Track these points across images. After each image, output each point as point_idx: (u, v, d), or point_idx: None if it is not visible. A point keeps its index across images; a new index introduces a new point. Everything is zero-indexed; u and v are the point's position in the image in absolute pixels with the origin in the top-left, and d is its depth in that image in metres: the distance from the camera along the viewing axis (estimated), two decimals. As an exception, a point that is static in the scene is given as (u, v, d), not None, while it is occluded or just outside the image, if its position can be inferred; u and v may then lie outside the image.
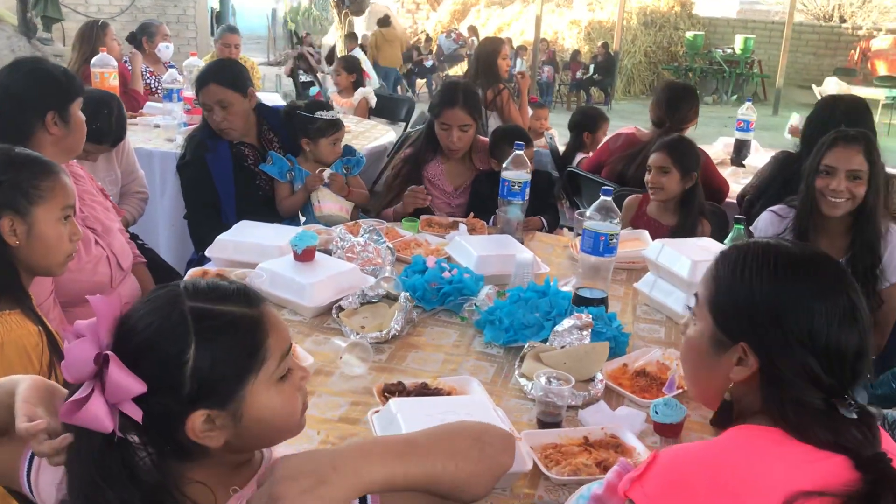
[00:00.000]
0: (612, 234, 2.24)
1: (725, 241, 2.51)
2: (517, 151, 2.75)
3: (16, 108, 2.17)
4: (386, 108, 5.84)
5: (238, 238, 2.50)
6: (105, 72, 4.27)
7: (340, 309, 2.20)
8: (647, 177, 3.13)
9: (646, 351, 2.09)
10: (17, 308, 1.63)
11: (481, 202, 3.20)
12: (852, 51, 19.65)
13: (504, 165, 2.78)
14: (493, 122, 5.01)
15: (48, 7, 9.14)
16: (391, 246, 2.59)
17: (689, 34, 18.79)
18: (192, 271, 2.40)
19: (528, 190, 2.77)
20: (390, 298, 2.27)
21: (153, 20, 5.63)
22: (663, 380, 1.98)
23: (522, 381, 1.90)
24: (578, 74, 16.46)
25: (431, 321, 2.26)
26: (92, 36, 4.77)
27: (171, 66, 4.44)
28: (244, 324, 1.05)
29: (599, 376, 1.91)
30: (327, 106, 3.17)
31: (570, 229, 4.25)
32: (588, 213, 2.29)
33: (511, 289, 2.36)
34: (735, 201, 3.60)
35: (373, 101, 5.65)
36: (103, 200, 2.47)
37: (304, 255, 2.31)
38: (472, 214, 3.05)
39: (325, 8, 13.11)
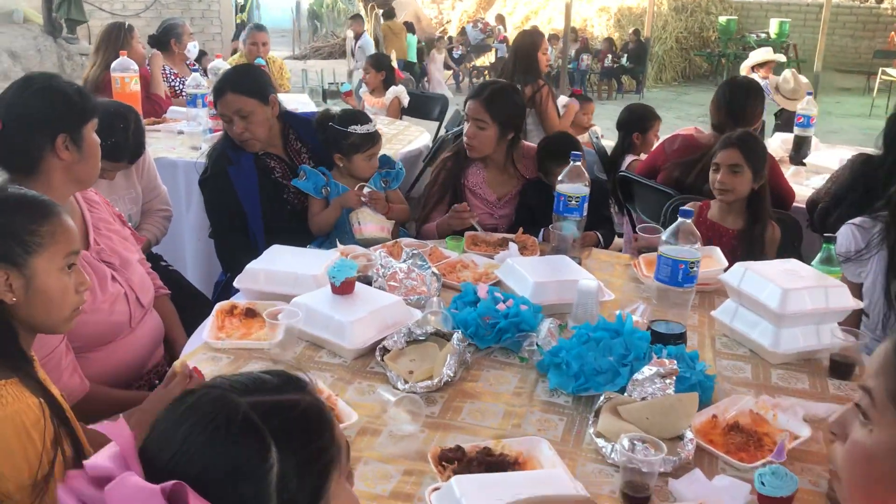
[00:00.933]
0: (692, 262, 1.98)
1: (813, 263, 2.23)
2: (574, 162, 2.48)
3: (24, 129, 1.94)
4: (418, 107, 5.57)
5: (269, 266, 2.26)
6: (126, 76, 4.06)
7: (385, 350, 1.95)
8: (716, 176, 2.84)
9: (736, 399, 1.81)
10: (14, 376, 1.39)
11: (530, 215, 2.94)
12: (893, 32, 19.02)
13: (559, 178, 2.51)
14: (531, 121, 4.77)
15: (72, 9, 8.98)
16: (437, 272, 2.33)
17: (722, 19, 18.32)
18: (220, 306, 2.16)
19: (586, 205, 2.50)
20: (439, 336, 2.02)
21: (176, 19, 5.40)
22: (760, 435, 1.71)
23: (600, 441, 1.64)
24: (607, 62, 16.06)
25: (486, 362, 2.00)
26: (118, 39, 4.55)
27: (195, 70, 4.20)
28: (312, 414, 0.93)
29: (689, 434, 1.64)
30: (362, 117, 2.91)
31: (620, 236, 3.97)
32: (664, 236, 2.02)
33: (577, 324, 2.11)
34: (804, 206, 3.30)
35: (405, 99, 5.39)
36: (121, 229, 2.24)
37: (343, 288, 2.07)
38: (521, 230, 2.79)
39: (350, 1, 12.84)
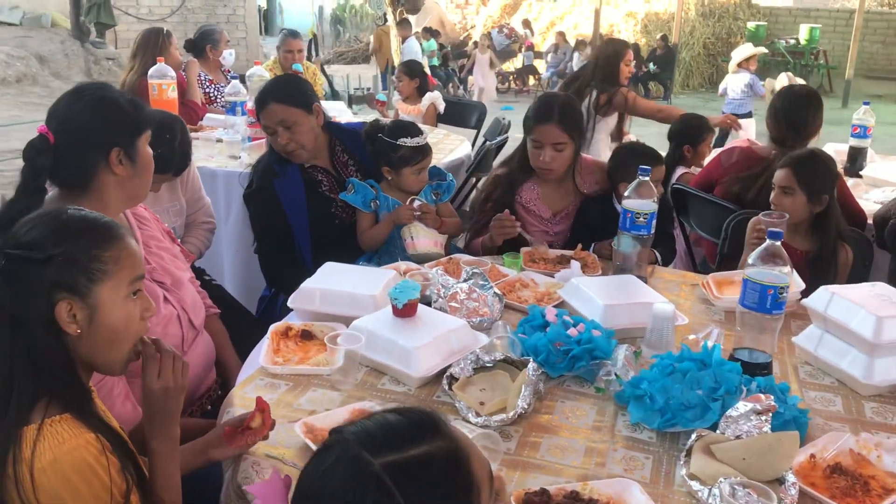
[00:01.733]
0: (781, 287, 1.84)
1: (901, 285, 2.10)
2: (642, 177, 2.36)
3: (77, 143, 1.84)
4: (455, 114, 5.46)
5: (325, 285, 2.15)
6: (163, 83, 3.98)
7: (452, 379, 1.83)
8: (771, 196, 2.73)
9: (834, 437, 1.68)
10: (69, 411, 1.29)
11: (588, 231, 2.81)
12: (927, 38, 18.74)
13: (626, 193, 2.39)
14: (601, 127, 4.68)
15: (101, 13, 8.96)
16: (499, 292, 2.22)
17: (751, 24, 18.10)
18: (274, 328, 2.05)
19: (654, 222, 2.38)
20: (508, 363, 1.90)
21: (213, 26, 5.33)
22: (866, 478, 1.58)
23: (694, 484, 1.52)
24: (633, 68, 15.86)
25: (559, 392, 1.88)
26: (156, 44, 4.47)
27: (234, 77, 4.11)
28: (449, 466, 0.94)
29: (791, 477, 1.51)
30: (413, 129, 2.79)
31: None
32: (750, 260, 1.89)
33: (653, 351, 1.99)
34: (870, 222, 3.15)
35: (441, 106, 5.28)
36: (171, 246, 2.14)
37: (406, 310, 1.95)
38: (579, 246, 2.67)
39: (378, 6, 12.76)
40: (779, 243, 1.85)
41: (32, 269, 1.30)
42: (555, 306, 2.24)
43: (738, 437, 1.59)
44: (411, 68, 5.40)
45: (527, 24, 18.05)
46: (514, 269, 2.52)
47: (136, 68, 4.46)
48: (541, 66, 16.87)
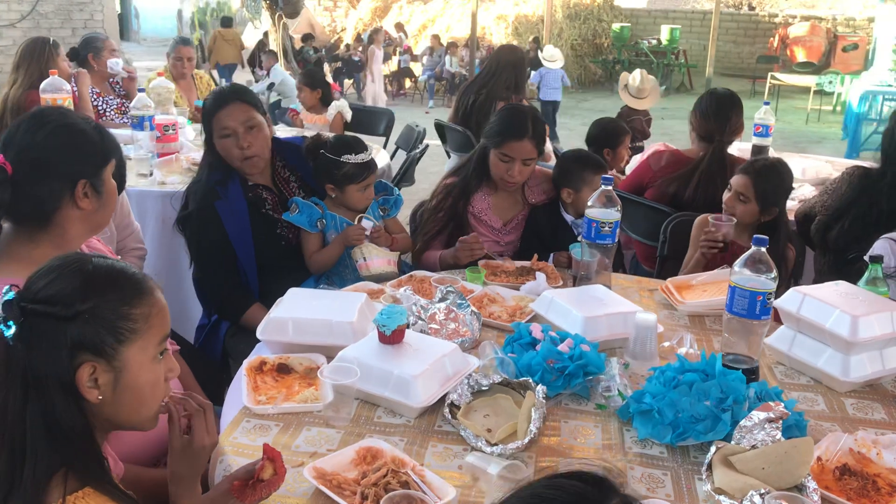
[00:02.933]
0: (769, 293, 1.87)
1: (860, 283, 2.18)
2: (605, 186, 2.36)
3: (39, 175, 1.65)
4: (363, 122, 5.34)
5: (297, 314, 2.02)
6: (58, 97, 3.67)
7: (454, 406, 1.76)
8: (725, 196, 2.81)
9: (834, 438, 1.72)
10: (87, 484, 1.14)
11: (538, 241, 2.79)
12: (771, 38, 20.00)
13: (589, 203, 2.38)
14: None
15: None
16: (476, 311, 2.16)
17: (616, 26, 18.80)
18: (248, 364, 1.92)
19: (618, 231, 2.38)
20: (504, 384, 1.85)
21: (97, 33, 4.98)
22: (872, 477, 1.62)
23: (723, 499, 1.51)
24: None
25: (560, 412, 1.84)
26: (42, 56, 4.12)
27: (141, 90, 3.84)
28: None
29: (812, 484, 1.53)
30: (357, 145, 2.67)
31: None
32: (736, 267, 1.91)
33: (644, 363, 1.98)
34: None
35: (348, 115, 5.15)
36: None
37: (394, 337, 1.86)
38: (535, 257, 2.64)
39: (256, 11, 12.42)
40: (764, 250, 1.88)
41: (53, 326, 1.14)
42: (528, 321, 2.21)
43: (753, 447, 1.60)
44: (312, 78, 5.21)
45: (400, 27, 18.03)
46: (478, 283, 2.47)
47: (21, 81, 4.10)
48: (416, 68, 16.89)
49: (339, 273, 2.67)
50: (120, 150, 2.26)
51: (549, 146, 4.94)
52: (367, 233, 2.60)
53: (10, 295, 1.15)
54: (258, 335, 2.02)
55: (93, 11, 16.07)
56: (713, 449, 1.60)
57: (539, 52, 16.14)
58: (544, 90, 10.77)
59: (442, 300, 2.13)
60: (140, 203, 3.39)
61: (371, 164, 2.68)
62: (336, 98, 5.21)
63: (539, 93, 10.82)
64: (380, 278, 2.55)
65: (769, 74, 15.48)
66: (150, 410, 1.27)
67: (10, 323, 1.12)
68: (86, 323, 1.15)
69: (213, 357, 2.66)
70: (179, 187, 3.44)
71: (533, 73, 10.77)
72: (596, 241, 2.36)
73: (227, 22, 15.31)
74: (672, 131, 13.08)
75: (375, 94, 12.90)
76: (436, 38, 16.74)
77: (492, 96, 4.82)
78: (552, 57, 10.84)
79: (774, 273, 1.87)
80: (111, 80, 4.90)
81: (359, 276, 2.60)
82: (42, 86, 3.72)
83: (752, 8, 22.14)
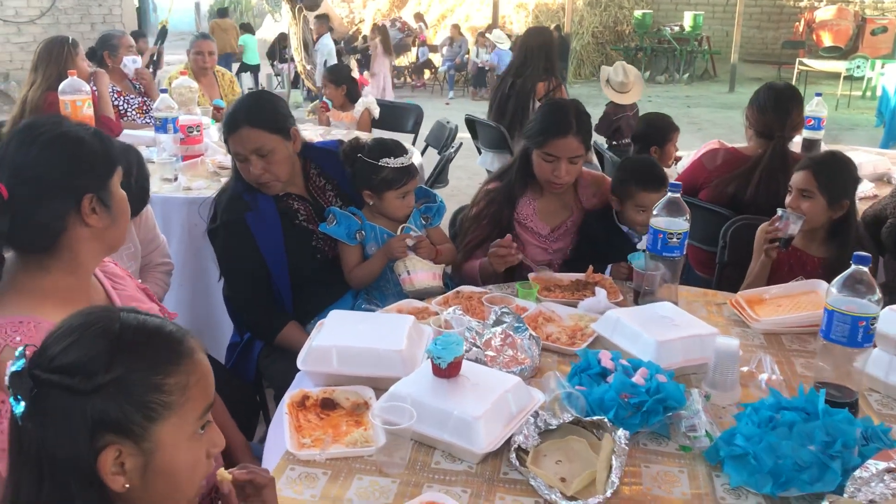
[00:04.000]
0: (872, 318, 1.67)
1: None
2: (673, 194, 2.15)
3: (39, 196, 1.47)
4: (390, 118, 5.14)
5: (341, 342, 1.84)
6: (77, 99, 3.51)
7: (521, 451, 1.57)
8: (787, 199, 2.60)
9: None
10: None
11: (592, 248, 2.60)
12: (796, 23, 19.59)
13: (655, 212, 2.18)
14: None
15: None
16: (535, 335, 1.96)
17: (638, 12, 18.47)
18: (291, 397, 1.73)
19: (686, 242, 2.18)
20: (575, 423, 1.65)
21: (114, 31, 4.80)
22: None
23: (843, 564, 1.31)
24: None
25: (638, 454, 1.64)
26: (61, 56, 3.95)
27: (164, 91, 3.66)
28: None
29: (942, 546, 1.33)
30: (397, 148, 2.48)
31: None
32: (832, 288, 1.70)
33: (724, 393, 1.79)
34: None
35: (376, 111, 4.95)
36: (151, 306, 1.78)
37: (450, 370, 1.67)
38: (591, 269, 2.44)
39: (277, 3, 12.22)
40: (865, 269, 1.68)
41: (71, 401, 0.96)
42: (590, 344, 2.03)
43: (871, 502, 1.40)
44: (337, 75, 4.99)
45: (419, 17, 17.79)
46: (530, 299, 2.27)
47: (39, 83, 3.94)
48: (436, 59, 16.67)
49: (380, 288, 2.48)
50: (131, 155, 2.09)
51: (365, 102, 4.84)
52: (410, 244, 2.41)
53: (20, 364, 0.96)
54: (299, 365, 1.84)
55: (111, 6, 15.96)
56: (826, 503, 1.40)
57: (562, 35, 15.99)
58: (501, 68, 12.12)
59: (497, 323, 1.94)
60: (165, 210, 3.22)
61: (412, 169, 2.49)
62: (363, 94, 5.01)
63: (497, 71, 12.47)
64: (424, 293, 2.37)
65: (797, 60, 15.15)
66: (189, 494, 1.08)
67: (20, 397, 0.94)
68: (110, 397, 0.96)
69: (246, 379, 2.49)
70: (205, 192, 3.27)
71: (490, 54, 13.06)
72: (662, 254, 2.16)
73: (223, 12, 15.61)
74: (699, 120, 12.84)
75: (381, 88, 12.53)
76: (456, 27, 16.49)
77: (527, 83, 4.66)
78: (500, 39, 13.10)
79: (878, 295, 1.67)
80: (131, 78, 4.73)
81: (401, 291, 2.42)
82: (61, 87, 3.55)
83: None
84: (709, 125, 12.28)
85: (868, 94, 14.34)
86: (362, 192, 2.50)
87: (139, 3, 24.78)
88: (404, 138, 4.93)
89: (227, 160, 3.55)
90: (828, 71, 15.48)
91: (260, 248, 2.39)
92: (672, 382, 1.73)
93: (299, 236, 2.46)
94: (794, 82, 15.31)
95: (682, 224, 2.15)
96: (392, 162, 2.45)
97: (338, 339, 1.85)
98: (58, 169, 1.50)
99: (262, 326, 2.44)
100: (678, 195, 2.15)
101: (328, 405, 1.74)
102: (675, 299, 2.24)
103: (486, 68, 15.14)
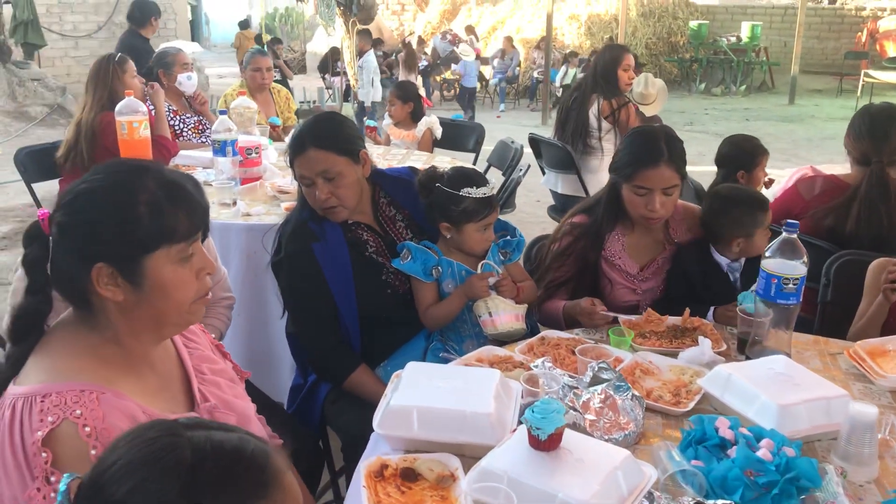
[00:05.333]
0: None
1: None
2: (789, 234, 1.92)
3: (65, 243, 1.29)
4: (451, 138, 4.95)
5: (423, 401, 1.64)
6: (134, 120, 3.39)
7: (635, 540, 1.36)
8: None
9: None
10: None
11: (687, 287, 2.37)
12: (858, 33, 19.03)
13: (767, 253, 1.95)
14: (609, 138, 4.38)
15: (29, 33, 8.15)
16: (638, 394, 1.75)
17: (693, 23, 18.10)
18: (367, 466, 1.55)
19: (803, 288, 1.95)
20: (695, 505, 1.43)
21: (169, 48, 4.68)
22: None
23: None
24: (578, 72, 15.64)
25: (770, 544, 1.42)
26: (107, 74, 3.84)
27: (223, 112, 3.52)
28: None
29: None
30: (478, 178, 2.29)
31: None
32: None
33: (860, 467, 1.55)
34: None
35: (438, 131, 4.78)
36: (224, 365, 1.60)
37: (550, 443, 1.47)
38: (687, 312, 2.22)
39: (330, 18, 12.13)
40: None
41: None
42: (697, 404, 1.81)
43: None
44: (405, 91, 4.82)
45: (470, 29, 17.63)
46: (624, 348, 2.06)
47: (91, 104, 3.82)
48: (486, 71, 16.49)
49: (456, 329, 2.29)
50: (203, 225, 1.84)
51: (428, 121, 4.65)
52: (493, 283, 2.21)
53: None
54: (375, 428, 1.65)
55: (166, 20, 16.11)
56: None
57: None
58: (466, 78, 13.83)
59: (595, 382, 1.73)
60: (223, 236, 3.07)
61: (493, 201, 2.29)
62: (427, 114, 4.83)
63: (462, 80, 13.91)
64: (506, 336, 2.17)
65: (862, 72, 14.63)
66: None
67: None
68: None
69: (310, 426, 2.31)
70: (265, 219, 3.13)
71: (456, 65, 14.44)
72: (777, 301, 1.93)
73: (244, 24, 16.57)
74: (760, 133, 12.34)
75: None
76: (508, 39, 16.30)
77: (587, 99, 4.54)
78: (466, 52, 14.40)
79: None
80: (186, 95, 4.62)
81: (479, 332, 2.23)
82: (117, 108, 3.44)
83: (832, 1, 21.13)
84: (771, 139, 11.88)
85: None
86: (439, 225, 2.32)
87: (192, 16, 25.13)
88: (465, 158, 4.77)
89: (286, 183, 3.40)
90: (891, 83, 14.96)
91: (327, 282, 2.21)
92: (803, 458, 1.51)
93: (369, 269, 2.28)
94: (858, 95, 14.83)
95: (798, 268, 1.91)
96: (474, 192, 2.25)
97: (418, 397, 1.66)
98: (80, 216, 1.30)
99: (330, 369, 2.26)
100: (794, 235, 1.92)
101: (409, 476, 1.55)
102: (789, 350, 2.00)
103: (540, 81, 14.95)
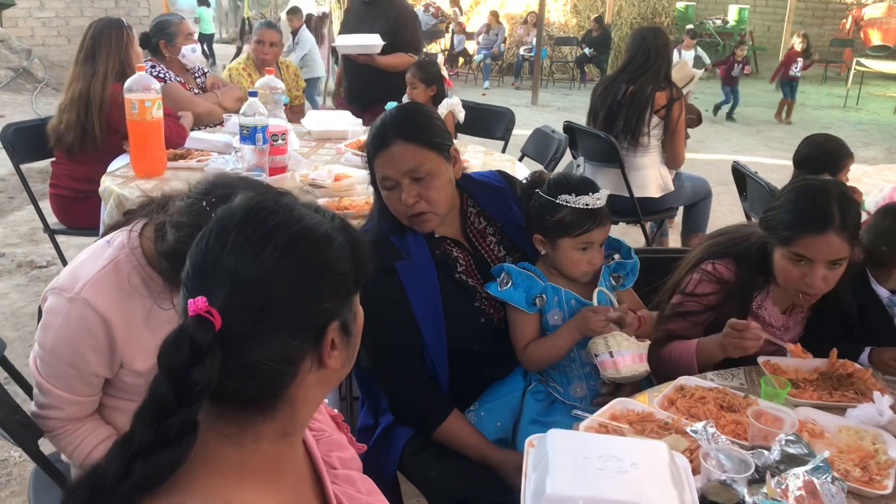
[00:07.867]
0: None
1: None
2: None
3: (262, 330, 0.90)
4: (477, 123, 4.53)
5: (585, 490, 1.29)
6: (146, 99, 2.95)
7: None
8: None
9: None
10: None
11: (840, 324, 2.03)
12: (843, 20, 18.89)
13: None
14: (656, 134, 4.00)
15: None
16: (840, 478, 1.42)
17: (680, 5, 17.84)
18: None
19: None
20: None
21: (171, 16, 4.22)
22: None
23: None
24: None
25: None
26: (121, 43, 3.38)
27: (252, 94, 3.05)
28: None
29: None
30: (582, 185, 1.91)
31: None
32: None
33: None
34: None
35: (461, 115, 4.34)
36: (339, 438, 1.23)
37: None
38: (834, 353, 1.89)
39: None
40: None
41: None
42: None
43: None
44: (428, 73, 4.30)
45: (454, 2, 17.11)
46: (777, 401, 1.72)
47: (102, 73, 3.36)
48: (470, 47, 16.06)
49: (562, 368, 1.94)
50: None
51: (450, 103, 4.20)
52: (615, 317, 1.85)
53: None
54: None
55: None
56: None
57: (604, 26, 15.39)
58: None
59: (787, 460, 1.40)
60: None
61: (598, 214, 1.91)
62: (449, 95, 4.40)
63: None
64: (628, 380, 1.82)
65: (855, 60, 14.48)
66: None
67: None
68: None
69: (384, 474, 1.93)
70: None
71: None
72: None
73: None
74: (753, 120, 12.22)
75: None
76: (494, 14, 15.85)
77: (645, 90, 4.09)
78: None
79: None
80: (191, 68, 4.17)
81: (589, 373, 1.88)
82: (127, 84, 2.98)
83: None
84: (764, 126, 11.70)
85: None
86: (532, 237, 1.96)
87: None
88: (494, 146, 4.38)
89: (321, 176, 3.00)
90: (876, 71, 14.85)
91: (413, 308, 1.85)
92: None
93: (460, 294, 1.91)
94: (849, 84, 14.68)
95: None
96: (572, 201, 1.88)
97: (579, 485, 1.31)
98: (299, 284, 0.93)
99: (417, 413, 1.89)
100: None
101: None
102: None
103: (526, 59, 14.59)
